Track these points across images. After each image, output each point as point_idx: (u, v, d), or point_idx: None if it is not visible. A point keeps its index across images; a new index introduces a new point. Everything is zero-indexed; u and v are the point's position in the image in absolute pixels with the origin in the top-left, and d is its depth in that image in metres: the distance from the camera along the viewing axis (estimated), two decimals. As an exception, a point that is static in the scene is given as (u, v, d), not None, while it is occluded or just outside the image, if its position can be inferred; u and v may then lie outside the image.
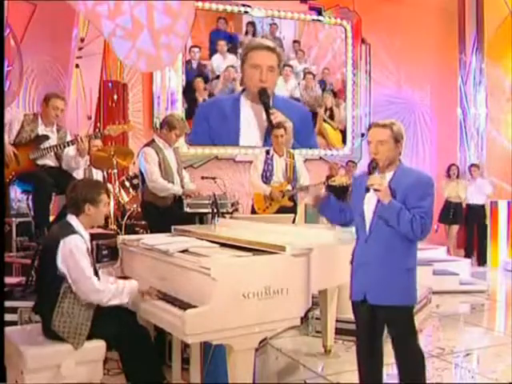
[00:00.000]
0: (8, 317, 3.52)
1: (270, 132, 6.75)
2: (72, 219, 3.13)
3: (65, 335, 2.97)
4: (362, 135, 9.72)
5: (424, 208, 2.82)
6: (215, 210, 4.21)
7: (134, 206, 6.06)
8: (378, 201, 2.86)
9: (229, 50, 9.06)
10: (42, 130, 4.64)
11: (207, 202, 4.73)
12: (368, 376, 3.09)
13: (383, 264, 2.86)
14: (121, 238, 3.88)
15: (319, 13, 9.72)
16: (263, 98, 8.74)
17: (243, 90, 8.91)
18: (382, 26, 9.61)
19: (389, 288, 2.86)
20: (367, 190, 2.85)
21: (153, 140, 5.01)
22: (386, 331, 3.06)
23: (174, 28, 5.28)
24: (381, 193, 2.82)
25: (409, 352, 2.94)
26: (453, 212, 9.07)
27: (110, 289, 3.01)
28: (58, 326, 2.97)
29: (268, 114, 8.63)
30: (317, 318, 4.71)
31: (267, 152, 5.93)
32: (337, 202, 3.19)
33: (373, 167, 2.89)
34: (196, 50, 8.83)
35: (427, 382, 3.25)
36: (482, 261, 9.18)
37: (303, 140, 9.10)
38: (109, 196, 3.35)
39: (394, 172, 2.93)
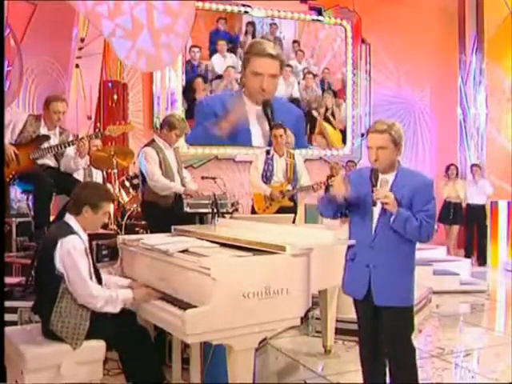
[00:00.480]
0: (8, 317, 3.51)
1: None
2: (70, 220, 3.12)
3: (63, 335, 2.96)
4: (362, 135, 9.73)
5: (430, 211, 2.85)
6: (215, 210, 4.21)
7: (134, 205, 6.07)
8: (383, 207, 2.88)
9: (229, 50, 9.07)
10: (44, 132, 4.64)
11: (207, 202, 4.72)
12: (372, 375, 3.09)
13: (388, 266, 2.88)
14: (121, 238, 3.87)
15: (319, 13, 9.72)
16: (266, 110, 8.80)
17: (242, 87, 8.93)
18: (382, 25, 9.61)
19: (394, 289, 2.88)
20: (374, 203, 2.87)
21: (153, 140, 5.01)
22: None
23: (174, 28, 5.28)
24: (388, 205, 2.82)
25: (404, 351, 2.96)
26: (453, 212, 9.08)
27: (104, 295, 3.00)
28: (56, 326, 2.97)
29: (271, 126, 8.66)
30: (317, 318, 4.71)
31: (267, 152, 5.92)
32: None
33: (375, 178, 2.89)
34: (196, 49, 8.84)
35: (427, 382, 3.26)
36: (482, 261, 9.18)
37: (298, 141, 9.13)
38: (111, 203, 3.31)
39: (396, 174, 2.94)
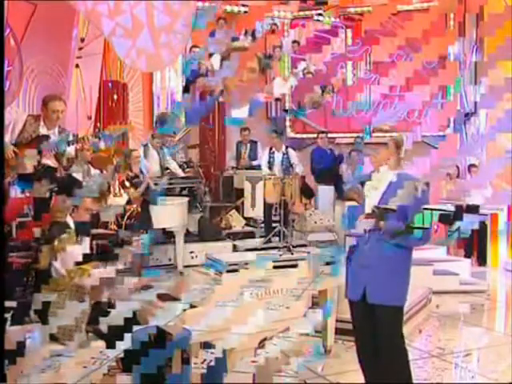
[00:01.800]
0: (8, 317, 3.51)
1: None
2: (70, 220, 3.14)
3: (60, 336, 2.96)
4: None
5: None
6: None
7: (134, 205, 6.06)
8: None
9: (228, 50, 9.08)
10: (43, 132, 4.65)
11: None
12: (374, 377, 3.08)
13: (383, 265, 2.90)
14: (121, 237, 3.87)
15: (319, 13, 9.72)
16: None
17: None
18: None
19: (387, 288, 2.90)
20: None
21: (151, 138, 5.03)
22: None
23: (174, 27, 5.29)
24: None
25: (397, 352, 2.96)
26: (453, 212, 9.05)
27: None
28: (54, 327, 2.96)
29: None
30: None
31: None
32: None
33: None
34: (196, 50, 8.84)
35: (427, 382, 3.26)
36: (482, 261, 9.16)
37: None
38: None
39: (396, 177, 2.96)
